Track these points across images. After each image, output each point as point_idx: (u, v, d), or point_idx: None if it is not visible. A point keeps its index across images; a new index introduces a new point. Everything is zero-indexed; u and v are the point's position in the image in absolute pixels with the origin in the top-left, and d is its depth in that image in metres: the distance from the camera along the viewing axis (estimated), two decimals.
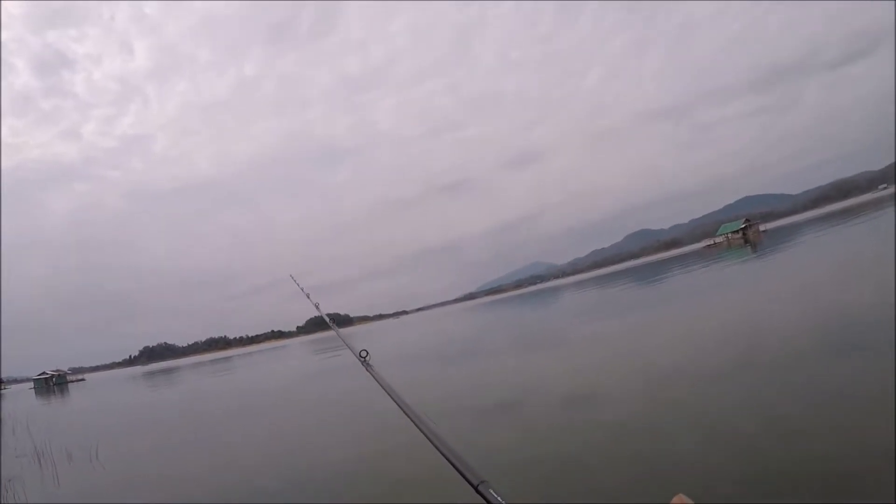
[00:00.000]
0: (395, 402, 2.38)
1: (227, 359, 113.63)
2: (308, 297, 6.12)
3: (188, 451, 14.02)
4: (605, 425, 8.54)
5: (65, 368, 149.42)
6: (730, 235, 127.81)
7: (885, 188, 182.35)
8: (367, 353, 2.94)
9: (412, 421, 2.13)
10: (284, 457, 11.08)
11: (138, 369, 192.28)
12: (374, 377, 2.78)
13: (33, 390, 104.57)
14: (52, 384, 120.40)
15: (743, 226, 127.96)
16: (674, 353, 13.07)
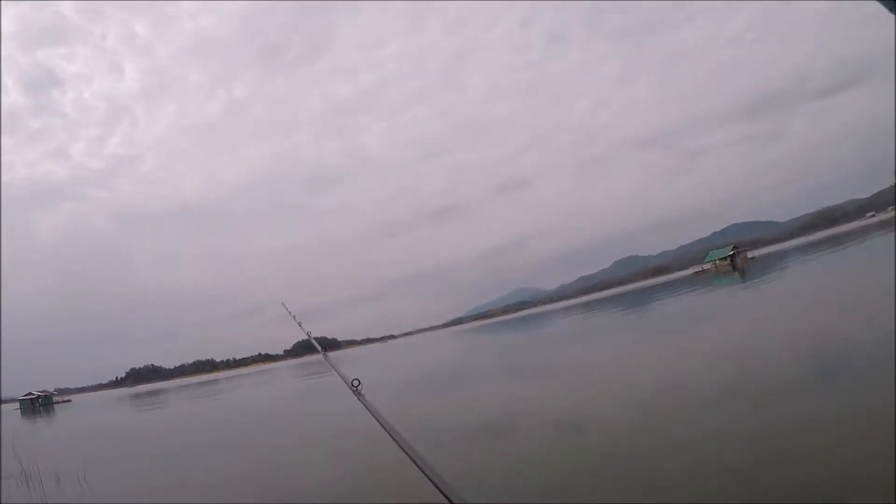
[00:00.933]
0: (387, 430, 2.40)
1: (214, 381, 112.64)
2: (300, 325, 6.19)
3: (175, 474, 13.98)
4: (590, 452, 8.63)
5: (51, 389, 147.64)
6: (718, 262, 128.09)
7: (872, 216, 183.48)
8: (360, 382, 2.95)
9: (403, 450, 2.17)
10: (273, 481, 11.13)
11: (125, 391, 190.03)
12: (366, 407, 2.79)
13: (19, 411, 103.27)
14: (38, 405, 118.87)
15: (731, 252, 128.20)
16: (662, 380, 13.19)
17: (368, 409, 2.70)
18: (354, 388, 2.96)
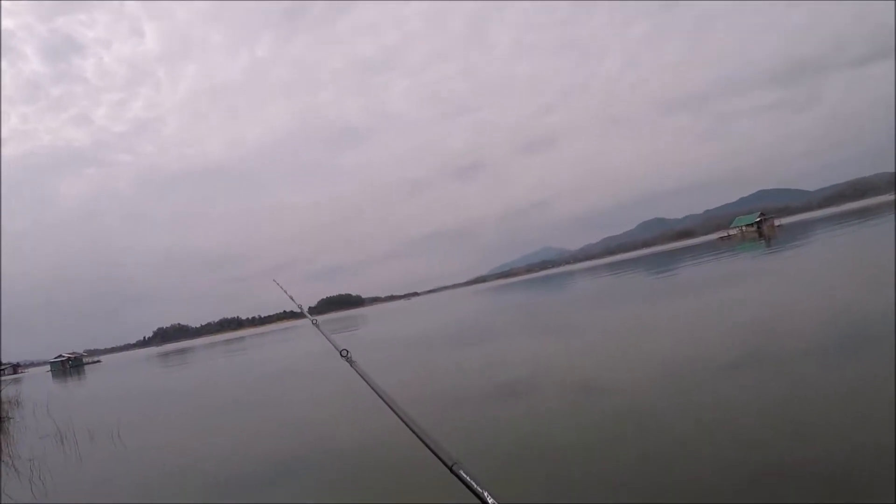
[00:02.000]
0: (378, 394, 2.47)
1: (240, 339, 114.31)
2: (291, 299, 6.34)
3: (205, 428, 14.32)
4: (602, 418, 8.57)
5: (80, 351, 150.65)
6: (744, 228, 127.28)
7: None
8: (348, 351, 3.07)
9: (393, 411, 2.24)
10: (288, 436, 11.61)
11: (152, 350, 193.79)
12: (358, 372, 2.91)
13: (50, 373, 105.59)
14: (69, 367, 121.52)
15: (758, 219, 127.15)
16: (680, 346, 13.14)
17: (360, 375, 2.83)
18: (345, 356, 3.09)
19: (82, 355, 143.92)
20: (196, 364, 48.44)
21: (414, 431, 2.02)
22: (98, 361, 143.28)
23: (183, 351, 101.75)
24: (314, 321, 5.22)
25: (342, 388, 15.87)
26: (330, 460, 9.15)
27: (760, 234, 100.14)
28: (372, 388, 2.52)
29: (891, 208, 70.17)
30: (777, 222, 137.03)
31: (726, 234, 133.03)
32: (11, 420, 21.78)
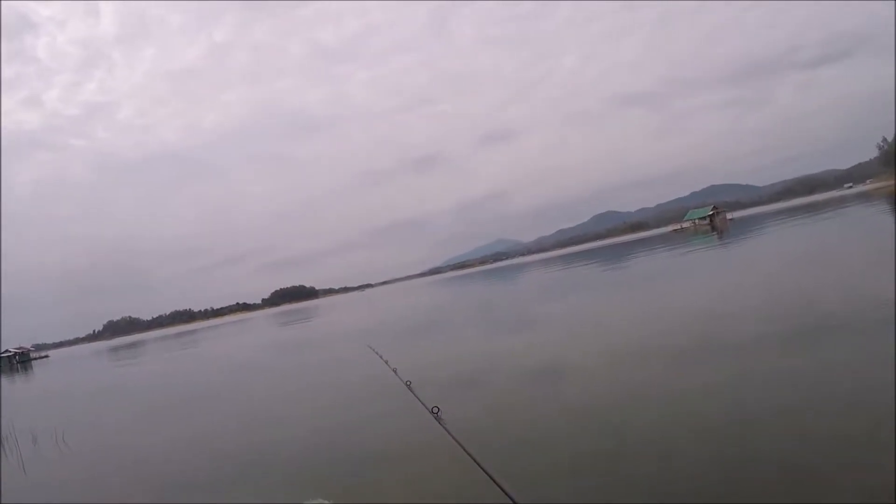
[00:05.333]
0: (468, 453, 2.43)
1: (192, 332, 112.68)
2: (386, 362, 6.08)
3: (157, 430, 13.80)
4: (556, 412, 8.45)
5: (27, 345, 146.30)
6: (697, 221, 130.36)
7: (849, 187, 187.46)
8: (439, 409, 2.90)
9: (484, 471, 2.28)
10: (254, 420, 11.59)
11: (103, 344, 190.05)
12: (448, 433, 2.77)
13: None
14: (15, 362, 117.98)
15: (710, 213, 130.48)
16: (636, 337, 13.06)
17: (451, 435, 2.68)
18: (435, 415, 2.95)
19: (30, 350, 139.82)
20: (148, 359, 47.50)
21: (504, 490, 2.03)
22: (46, 356, 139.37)
23: (135, 345, 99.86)
24: (407, 383, 4.97)
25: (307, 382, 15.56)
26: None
27: (713, 227, 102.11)
28: (464, 450, 2.53)
29: (838, 204, 72.76)
30: (729, 216, 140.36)
31: (679, 227, 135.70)
32: None
